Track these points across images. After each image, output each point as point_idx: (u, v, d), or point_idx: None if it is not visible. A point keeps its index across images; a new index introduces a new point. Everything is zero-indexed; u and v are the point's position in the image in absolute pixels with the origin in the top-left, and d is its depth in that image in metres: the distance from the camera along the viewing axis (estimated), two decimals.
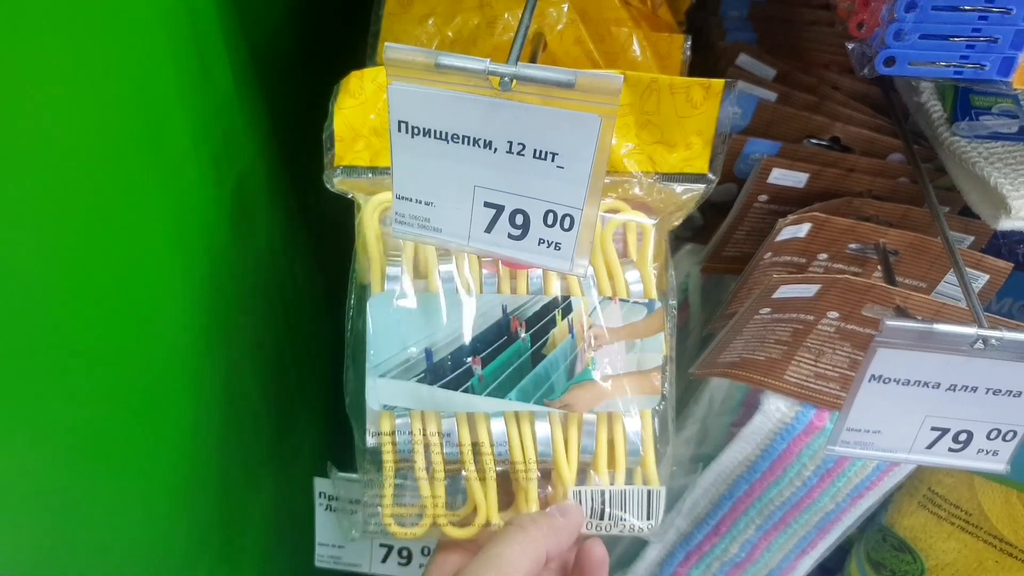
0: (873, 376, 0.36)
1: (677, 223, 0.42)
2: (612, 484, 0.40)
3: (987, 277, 0.47)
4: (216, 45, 0.41)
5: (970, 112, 0.49)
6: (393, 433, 0.40)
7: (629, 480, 0.41)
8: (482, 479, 0.40)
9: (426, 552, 0.50)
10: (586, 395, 0.40)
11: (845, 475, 0.48)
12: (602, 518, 0.40)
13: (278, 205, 0.52)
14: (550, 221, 0.32)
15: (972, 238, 0.50)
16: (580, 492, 0.40)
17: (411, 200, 0.33)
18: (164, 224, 0.37)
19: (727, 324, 0.42)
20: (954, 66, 0.36)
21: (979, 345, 0.35)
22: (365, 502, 0.41)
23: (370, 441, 0.40)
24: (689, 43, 0.45)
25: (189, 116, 0.38)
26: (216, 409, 0.46)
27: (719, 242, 0.48)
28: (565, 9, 0.44)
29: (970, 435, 0.38)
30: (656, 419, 0.41)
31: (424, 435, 0.40)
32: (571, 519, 0.38)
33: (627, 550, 0.56)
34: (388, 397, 0.39)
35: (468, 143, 0.31)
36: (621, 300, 0.40)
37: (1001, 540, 0.55)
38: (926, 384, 0.36)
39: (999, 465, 0.39)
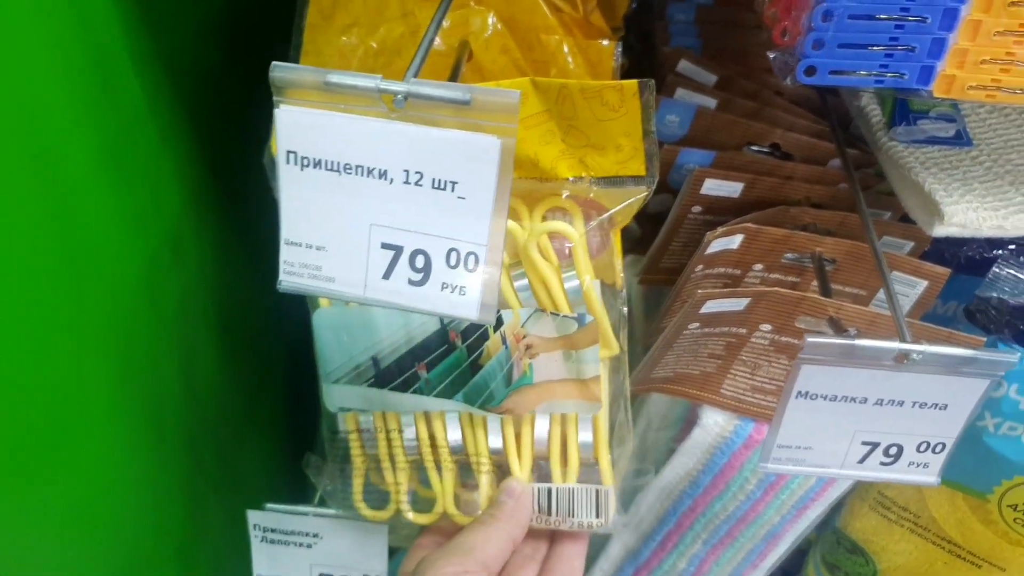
0: (799, 392, 0.35)
1: (625, 223, 0.41)
2: (565, 481, 0.42)
3: (926, 283, 0.47)
4: (122, 64, 0.39)
5: (908, 116, 0.48)
6: (358, 430, 0.43)
7: (587, 477, 0.42)
8: (439, 468, 0.43)
9: None
10: (525, 399, 0.41)
11: (788, 487, 0.47)
12: (550, 514, 0.42)
13: (209, 222, 0.51)
14: (453, 261, 0.30)
15: (912, 243, 0.49)
16: (533, 488, 0.42)
17: (300, 245, 0.31)
18: (63, 263, 0.36)
19: (662, 336, 0.41)
20: (874, 75, 0.36)
21: (903, 359, 0.34)
22: (332, 491, 0.45)
23: (340, 434, 0.44)
24: (619, 49, 0.44)
25: (89, 139, 0.37)
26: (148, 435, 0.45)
27: (655, 254, 0.47)
28: (492, 18, 0.43)
29: (900, 448, 0.37)
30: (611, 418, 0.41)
31: (385, 427, 0.43)
32: (520, 500, 0.41)
33: None
34: (343, 400, 0.42)
35: (362, 173, 0.30)
36: (552, 314, 0.39)
37: (949, 542, 0.55)
38: (853, 399, 0.36)
39: (931, 478, 0.38)
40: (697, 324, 0.40)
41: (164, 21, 0.43)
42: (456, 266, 0.31)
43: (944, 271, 0.46)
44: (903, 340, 0.34)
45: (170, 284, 0.47)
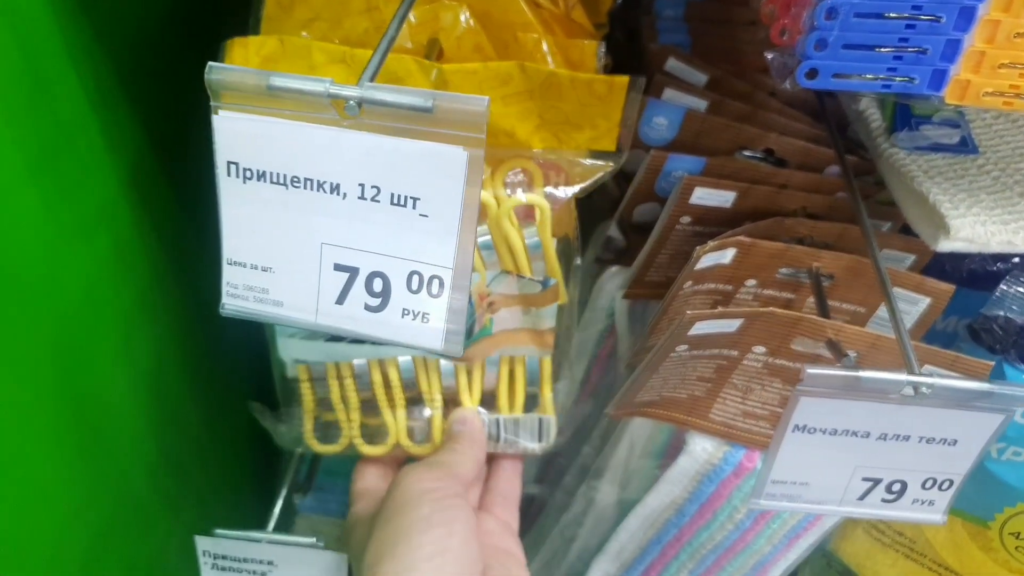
0: (797, 426, 0.32)
1: (587, 190, 0.40)
2: (511, 412, 0.45)
3: (929, 300, 0.44)
4: (58, 65, 0.36)
5: (910, 121, 0.45)
6: (310, 379, 0.45)
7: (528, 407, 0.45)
8: (392, 404, 0.45)
9: None
10: (482, 348, 0.43)
11: (780, 517, 0.44)
12: (497, 440, 0.45)
13: (161, 228, 0.47)
14: (415, 285, 0.27)
15: (913, 257, 0.47)
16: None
17: (244, 266, 0.28)
18: None
19: (646, 359, 0.38)
20: (882, 79, 0.33)
21: (909, 391, 0.31)
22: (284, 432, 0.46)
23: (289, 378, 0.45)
24: (603, 49, 0.41)
25: (22, 146, 0.33)
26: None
27: (641, 267, 0.44)
28: (464, 13, 0.39)
29: (904, 485, 0.35)
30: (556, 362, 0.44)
31: (339, 376, 0.44)
32: (474, 425, 0.44)
33: None
34: (298, 353, 0.43)
35: (312, 187, 0.26)
36: (519, 276, 0.37)
37: (945, 568, 0.52)
38: (854, 433, 0.33)
39: (936, 515, 0.35)
40: (685, 347, 0.37)
41: (105, 13, 0.39)
42: (418, 291, 0.27)
43: (949, 288, 0.43)
44: (911, 371, 0.31)
45: (117, 295, 0.43)
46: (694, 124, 0.46)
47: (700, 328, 0.36)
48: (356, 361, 0.44)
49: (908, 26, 0.31)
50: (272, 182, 0.27)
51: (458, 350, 0.28)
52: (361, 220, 0.27)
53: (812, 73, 0.32)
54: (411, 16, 0.38)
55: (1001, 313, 0.44)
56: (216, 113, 0.26)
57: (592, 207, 0.52)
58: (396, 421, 0.45)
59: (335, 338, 0.43)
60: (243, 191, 0.27)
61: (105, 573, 0.45)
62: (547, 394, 0.45)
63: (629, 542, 0.47)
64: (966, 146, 0.45)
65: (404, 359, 0.44)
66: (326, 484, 0.70)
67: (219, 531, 0.43)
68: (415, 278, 0.27)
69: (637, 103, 0.37)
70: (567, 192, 0.39)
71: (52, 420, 0.38)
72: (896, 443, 0.33)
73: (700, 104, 0.48)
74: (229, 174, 0.27)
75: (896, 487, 0.35)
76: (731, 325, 0.37)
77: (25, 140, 0.33)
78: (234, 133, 0.26)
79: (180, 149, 0.46)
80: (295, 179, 0.26)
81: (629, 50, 0.57)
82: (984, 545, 0.50)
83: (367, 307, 0.28)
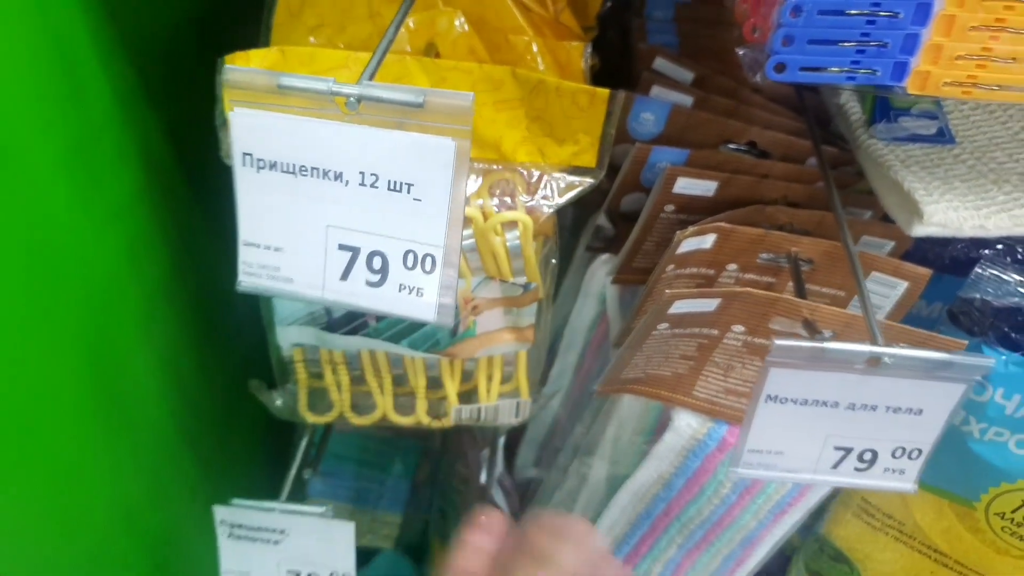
0: (769, 396, 0.35)
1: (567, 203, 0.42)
2: (489, 400, 0.48)
3: (906, 284, 0.46)
4: (88, 63, 0.39)
5: (889, 113, 0.47)
6: (304, 360, 0.48)
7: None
8: (380, 387, 0.48)
9: None
10: (467, 347, 0.46)
11: (765, 492, 0.46)
12: (479, 420, 0.49)
13: (180, 216, 0.50)
14: (410, 263, 0.30)
15: (892, 243, 0.49)
16: (462, 409, 0.48)
17: (259, 247, 0.31)
18: (30, 260, 0.35)
19: (630, 336, 0.40)
20: (846, 71, 0.35)
21: (875, 363, 0.33)
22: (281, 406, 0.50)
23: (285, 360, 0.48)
24: (589, 50, 0.43)
25: (56, 140, 0.36)
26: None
27: (628, 254, 0.46)
28: (459, 19, 0.42)
29: (875, 454, 0.37)
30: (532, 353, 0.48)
31: (331, 361, 0.47)
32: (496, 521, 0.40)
33: None
34: (295, 338, 0.46)
35: (318, 175, 0.29)
36: (501, 281, 0.40)
37: (935, 550, 0.54)
38: (824, 403, 0.35)
39: (907, 484, 0.37)
40: (666, 324, 0.39)
41: (131, 20, 0.42)
42: (413, 268, 0.30)
43: (925, 272, 0.45)
44: (875, 343, 0.33)
45: (139, 280, 0.46)
46: (680, 119, 0.49)
47: (680, 307, 0.38)
48: (348, 351, 0.47)
49: (869, 22, 0.33)
50: (282, 171, 0.29)
51: (449, 321, 0.31)
52: (362, 204, 0.29)
53: (780, 67, 0.35)
54: (409, 21, 0.41)
55: (977, 296, 0.46)
56: (231, 109, 0.28)
57: (583, 199, 0.55)
58: (384, 397, 0.48)
59: (329, 327, 0.45)
60: (257, 179, 0.29)
61: (126, 544, 0.48)
62: (523, 378, 0.49)
63: (620, 517, 0.49)
64: (943, 136, 0.47)
65: (394, 354, 0.47)
66: (335, 469, 0.73)
67: (235, 501, 0.46)
68: (410, 256, 0.30)
69: (616, 119, 0.39)
70: (548, 205, 0.41)
71: (80, 398, 0.41)
72: (864, 413, 0.35)
73: (686, 100, 0.50)
74: (244, 164, 0.29)
75: (867, 456, 0.37)
76: (710, 305, 0.39)
77: (60, 135, 0.36)
78: (248, 127, 0.29)
79: (195, 147, 0.49)
80: (303, 168, 0.29)
81: (622, 50, 0.60)
82: (972, 527, 0.52)
83: (368, 283, 0.31)
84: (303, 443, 0.52)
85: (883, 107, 0.47)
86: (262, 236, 0.31)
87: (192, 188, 0.52)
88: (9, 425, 0.36)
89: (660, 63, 0.52)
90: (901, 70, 0.34)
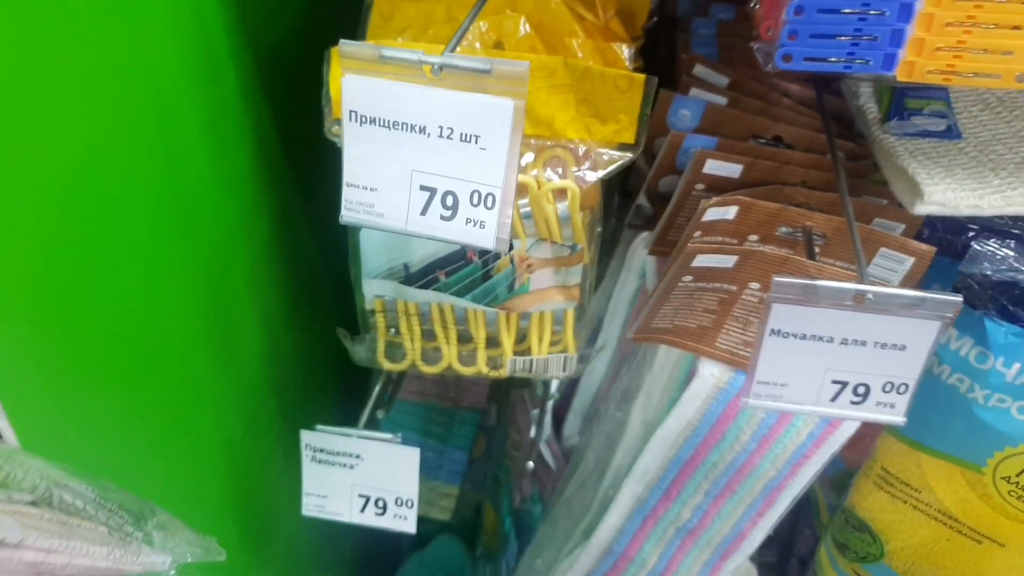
0: (772, 330, 0.41)
1: (612, 174, 0.50)
2: (540, 353, 0.55)
3: (912, 260, 0.51)
4: (223, 52, 0.49)
5: (903, 112, 0.53)
6: (384, 311, 0.55)
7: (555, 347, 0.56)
8: (447, 339, 0.55)
9: (399, 503, 0.56)
10: (521, 302, 0.53)
11: (781, 441, 0.52)
12: (531, 372, 0.55)
13: (286, 184, 0.60)
14: (475, 201, 0.38)
15: (903, 226, 0.54)
16: (516, 359, 0.55)
17: (358, 187, 0.39)
18: (173, 210, 0.45)
19: (660, 286, 0.47)
20: (843, 61, 0.42)
21: (860, 299, 0.39)
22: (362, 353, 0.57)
23: (367, 310, 0.56)
24: (632, 51, 0.51)
25: (199, 112, 0.46)
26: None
27: (664, 227, 0.53)
28: (523, 23, 0.51)
29: (868, 388, 0.42)
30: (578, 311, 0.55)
31: (406, 312, 0.55)
32: None
33: (592, 521, 0.61)
34: (377, 290, 0.54)
35: (406, 129, 0.37)
36: (552, 243, 0.47)
37: (950, 517, 0.58)
38: (820, 338, 0.41)
39: (897, 417, 0.43)
40: (690, 277, 0.46)
41: (256, 22, 0.53)
42: (478, 205, 0.38)
43: (930, 249, 0.50)
44: (862, 282, 0.39)
45: (251, 241, 0.56)
46: (714, 115, 0.56)
47: (701, 261, 0.45)
48: (421, 303, 0.55)
49: (860, 19, 0.40)
50: (379, 125, 0.38)
51: (504, 248, 0.38)
52: (440, 153, 0.38)
53: (787, 57, 0.42)
54: (481, 24, 0.50)
55: (976, 271, 0.51)
56: (344, 75, 0.37)
57: (629, 186, 0.62)
58: (450, 347, 0.56)
59: (406, 281, 0.54)
60: (359, 132, 0.38)
61: (224, 470, 0.57)
62: (570, 336, 0.55)
63: (653, 463, 0.55)
64: (951, 132, 0.53)
65: (459, 307, 0.55)
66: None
67: (320, 427, 0.54)
68: (475, 195, 0.38)
69: (651, 101, 0.47)
70: (593, 176, 0.49)
71: (196, 338, 0.51)
72: (856, 348, 0.41)
73: (721, 100, 0.57)
74: (350, 119, 0.38)
75: (861, 389, 0.42)
76: (728, 261, 0.46)
77: (201, 107, 0.46)
78: (355, 89, 0.37)
79: (298, 133, 0.59)
80: (395, 123, 0.38)
81: (670, 66, 0.68)
82: (981, 493, 0.56)
83: (442, 217, 0.39)
84: (378, 386, 0.60)
85: (898, 107, 0.54)
86: (361, 179, 0.39)
87: (293, 167, 0.62)
88: (135, 359, 0.45)
89: (699, 69, 0.59)
90: (890, 60, 0.41)
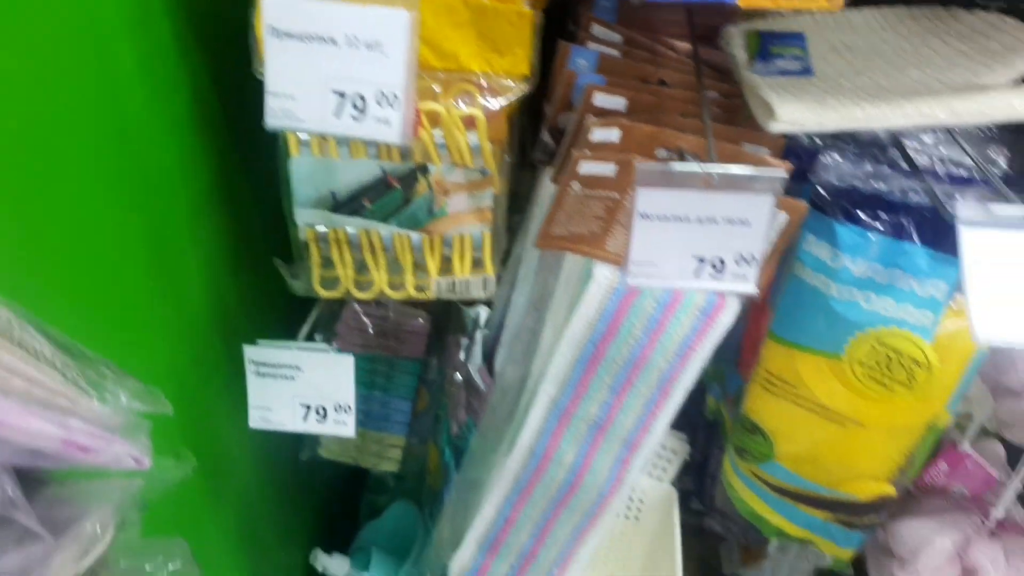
0: (640, 214, 0.49)
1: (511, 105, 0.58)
2: (463, 274, 0.62)
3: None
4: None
5: (767, 57, 0.63)
6: (316, 240, 0.62)
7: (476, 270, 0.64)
8: (376, 264, 0.62)
9: (338, 409, 0.62)
10: (441, 225, 0.61)
11: (668, 333, 0.60)
12: (455, 292, 0.62)
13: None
14: (381, 101, 0.46)
15: (767, 150, 0.63)
16: (441, 281, 0.62)
17: (279, 95, 0.46)
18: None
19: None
20: None
21: (708, 181, 0.48)
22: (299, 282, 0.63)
23: (301, 240, 0.62)
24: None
25: (134, 55, 0.53)
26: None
27: (562, 159, 0.61)
28: None
29: (723, 262, 0.51)
30: (494, 234, 0.63)
31: (337, 239, 0.61)
32: None
33: (516, 428, 0.68)
34: (309, 219, 0.61)
35: (319, 40, 0.45)
36: (465, 167, 0.55)
37: (821, 406, 0.66)
38: (680, 218, 0.49)
39: (749, 286, 0.51)
40: (578, 184, 0.54)
41: None
42: (383, 104, 0.46)
43: (785, 163, 0.59)
44: (709, 162, 0.48)
45: (191, 181, 0.63)
46: (607, 64, 0.65)
47: (586, 168, 0.53)
48: (349, 229, 0.62)
49: None
50: (296, 39, 0.45)
51: (408, 142, 0.46)
52: (347, 60, 0.45)
53: None
54: None
55: (825, 180, 0.60)
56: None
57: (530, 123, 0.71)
58: (379, 273, 0.63)
59: (334, 208, 0.61)
60: (279, 45, 0.46)
61: (175, 397, 0.62)
62: (488, 259, 0.63)
63: (563, 364, 0.62)
64: (805, 71, 0.63)
65: (385, 232, 0.62)
66: None
67: (260, 341, 0.60)
68: (381, 96, 0.46)
69: (540, 34, 0.56)
70: (496, 104, 0.57)
71: (147, 278, 0.57)
72: (710, 226, 0.49)
73: (614, 53, 0.66)
74: (270, 35, 0.45)
75: (719, 264, 0.51)
76: (609, 169, 0.54)
77: (137, 50, 0.53)
78: (275, 7, 0.45)
79: (228, 71, 0.66)
80: (308, 35, 0.45)
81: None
82: (843, 380, 0.64)
83: (353, 118, 0.46)
84: (315, 311, 0.66)
85: (763, 53, 0.63)
86: (281, 87, 0.47)
87: (226, 107, 0.68)
88: (76, 292, 0.50)
89: (597, 29, 0.68)
90: None
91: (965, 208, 0.48)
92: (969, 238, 0.47)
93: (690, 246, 0.50)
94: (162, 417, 0.64)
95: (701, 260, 0.51)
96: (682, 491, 0.87)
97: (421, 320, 0.82)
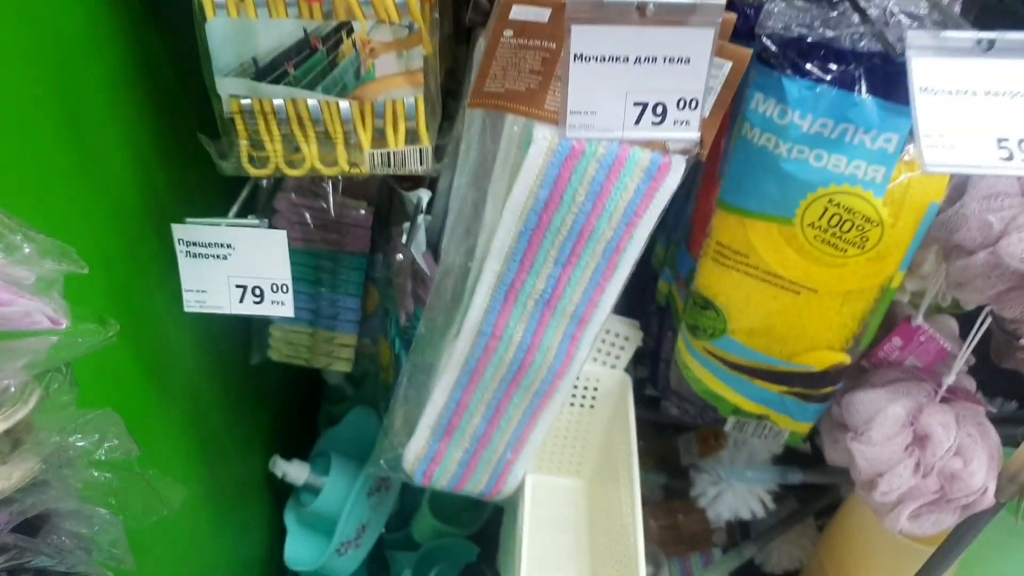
0: (575, 55, 0.46)
1: None
2: (396, 146, 0.59)
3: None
4: None
5: None
6: (241, 112, 0.58)
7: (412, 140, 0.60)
8: (305, 138, 0.58)
9: (275, 289, 0.59)
10: (370, 90, 0.57)
11: (612, 199, 0.58)
12: (390, 166, 0.60)
13: None
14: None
15: None
16: (374, 153, 0.59)
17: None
18: None
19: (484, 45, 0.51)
20: None
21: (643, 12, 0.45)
22: (225, 160, 0.60)
23: (226, 114, 0.58)
24: None
25: None
26: None
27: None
28: None
29: (664, 107, 0.48)
30: (427, 101, 0.57)
31: (263, 111, 0.57)
32: None
33: (462, 312, 0.66)
34: (231, 89, 0.56)
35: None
36: (391, 23, 0.51)
37: (774, 275, 0.65)
38: (617, 58, 0.46)
39: (692, 133, 0.49)
40: (511, 32, 0.51)
41: None
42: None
43: (731, 15, 0.56)
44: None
45: (104, 54, 0.58)
46: None
47: (518, 12, 0.50)
48: (276, 101, 0.58)
49: None
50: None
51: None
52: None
53: None
54: None
55: (771, 29, 0.57)
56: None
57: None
58: (309, 146, 0.60)
59: (257, 77, 0.57)
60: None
61: (102, 288, 0.59)
62: (423, 128, 0.59)
63: (507, 237, 0.60)
64: None
65: (312, 101, 0.58)
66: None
67: (189, 219, 0.57)
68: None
69: None
70: None
71: (65, 166, 0.53)
72: (649, 66, 0.47)
73: None
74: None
75: (659, 109, 0.48)
76: (543, 15, 0.50)
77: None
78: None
79: None
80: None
81: None
82: (795, 245, 0.63)
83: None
84: (246, 188, 0.63)
85: None
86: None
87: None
88: None
89: None
90: None
91: (915, 36, 0.46)
92: (919, 66, 0.45)
93: (630, 91, 0.48)
94: (92, 307, 0.61)
95: (642, 106, 0.48)
96: (636, 380, 0.86)
97: (363, 211, 0.79)
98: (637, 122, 0.49)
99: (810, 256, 0.63)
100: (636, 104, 0.48)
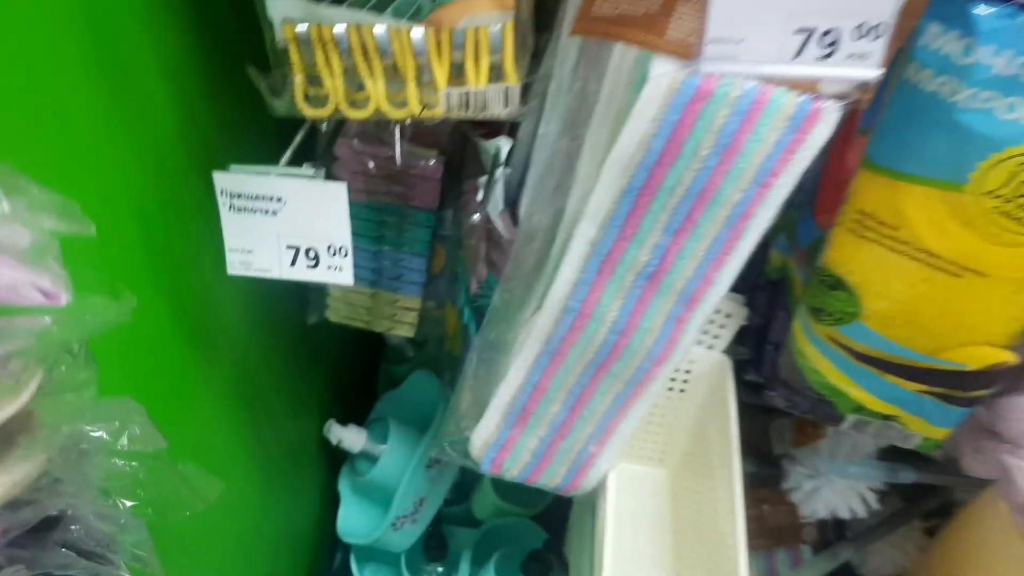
0: None
1: None
2: (477, 83, 0.49)
3: None
4: None
5: None
6: (296, 38, 0.49)
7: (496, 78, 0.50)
8: (371, 73, 0.50)
9: (332, 252, 0.51)
10: (448, 14, 0.47)
11: (745, 154, 0.47)
12: (468, 108, 0.51)
13: None
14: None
15: None
16: (451, 92, 0.50)
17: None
18: None
19: None
20: None
21: None
22: (278, 99, 0.51)
23: (279, 43, 0.50)
24: None
25: None
26: None
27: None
28: None
29: (838, 34, 0.37)
30: (517, 29, 0.46)
31: (321, 40, 0.48)
32: None
33: (546, 284, 0.56)
34: (284, 11, 0.48)
35: None
36: None
37: (929, 254, 0.53)
38: None
39: (871, 71, 0.37)
40: None
41: None
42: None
43: None
44: None
45: None
46: None
47: None
48: (336, 27, 0.48)
49: None
50: None
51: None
52: None
53: None
54: None
55: None
56: None
57: None
58: (375, 85, 0.50)
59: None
60: None
61: (136, 232, 0.52)
62: (509, 62, 0.50)
63: (606, 197, 0.50)
64: None
65: (379, 29, 0.48)
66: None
67: (233, 166, 0.48)
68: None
69: None
70: None
71: (103, 108, 0.46)
72: None
73: None
74: None
75: (829, 37, 0.37)
76: None
77: None
78: None
79: None
80: None
81: None
82: (964, 217, 0.51)
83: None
84: (300, 133, 0.54)
85: None
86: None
87: None
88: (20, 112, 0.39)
89: None
90: None
91: None
92: None
93: (793, 12, 0.36)
94: (128, 266, 0.54)
95: (807, 33, 0.37)
96: (736, 361, 0.76)
97: (433, 162, 0.69)
98: (798, 54, 0.37)
99: (983, 232, 0.51)
100: (800, 31, 0.37)
